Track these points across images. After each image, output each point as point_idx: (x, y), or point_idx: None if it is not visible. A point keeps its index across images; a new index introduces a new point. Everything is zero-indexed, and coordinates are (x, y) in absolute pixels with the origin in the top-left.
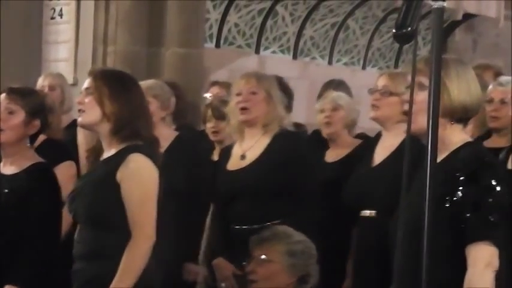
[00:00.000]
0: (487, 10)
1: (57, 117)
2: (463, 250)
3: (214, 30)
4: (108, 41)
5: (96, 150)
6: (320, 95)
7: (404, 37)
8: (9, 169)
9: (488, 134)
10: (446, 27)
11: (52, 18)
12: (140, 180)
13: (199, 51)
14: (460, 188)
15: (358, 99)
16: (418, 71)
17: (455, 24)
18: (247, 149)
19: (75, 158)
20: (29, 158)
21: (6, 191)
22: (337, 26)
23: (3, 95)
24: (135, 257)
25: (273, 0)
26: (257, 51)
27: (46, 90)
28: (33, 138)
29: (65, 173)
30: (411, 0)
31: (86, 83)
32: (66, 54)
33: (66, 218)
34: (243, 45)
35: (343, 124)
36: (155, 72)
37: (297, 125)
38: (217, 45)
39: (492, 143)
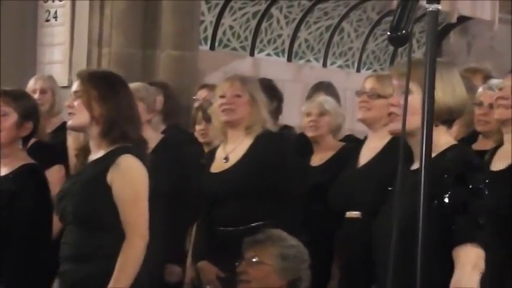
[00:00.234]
0: (481, 13)
1: (43, 120)
2: (450, 250)
3: (209, 32)
4: (103, 43)
5: (85, 149)
6: (309, 97)
7: (398, 40)
8: (2, 170)
9: (473, 135)
10: (441, 29)
11: (47, 20)
12: (131, 180)
13: (193, 54)
14: (448, 189)
15: (352, 102)
16: (403, 74)
17: (449, 27)
18: (230, 151)
19: (64, 161)
20: (22, 159)
21: None
22: (332, 28)
23: None
24: (131, 257)
25: (268, 3)
26: (252, 54)
27: (37, 93)
28: (26, 140)
29: (54, 176)
30: (406, 3)
31: (75, 86)
32: (61, 57)
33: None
34: (237, 48)
35: (328, 129)
36: (150, 75)
37: (286, 128)
38: (212, 47)
39: (480, 145)
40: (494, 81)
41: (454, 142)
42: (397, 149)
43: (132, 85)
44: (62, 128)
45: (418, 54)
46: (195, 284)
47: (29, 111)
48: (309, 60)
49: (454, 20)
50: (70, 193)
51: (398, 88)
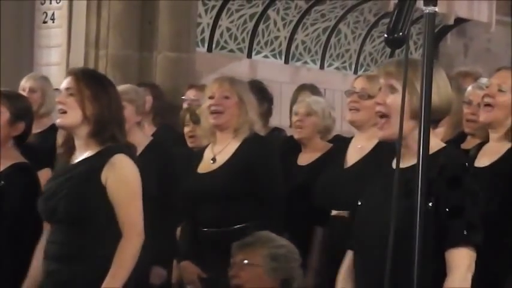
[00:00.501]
0: (478, 15)
1: None
2: (442, 252)
3: (206, 34)
4: (100, 45)
5: (70, 142)
6: (293, 101)
7: (396, 42)
8: None
9: (461, 136)
10: (438, 31)
11: (44, 22)
12: (127, 179)
13: (191, 56)
14: (442, 191)
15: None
16: (389, 73)
17: (446, 29)
18: (218, 152)
19: (52, 163)
20: (14, 158)
21: None
22: (329, 30)
23: None
24: (128, 255)
25: (265, 5)
26: (249, 56)
27: (26, 91)
28: (19, 141)
29: (44, 179)
30: (403, 5)
31: (66, 82)
32: (58, 59)
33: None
34: (234, 50)
35: (315, 130)
36: (147, 76)
37: (277, 129)
38: (209, 49)
39: (468, 144)
40: (483, 80)
41: (442, 144)
42: (384, 150)
43: (121, 87)
44: (51, 130)
45: (415, 56)
46: (181, 284)
47: (21, 111)
48: (306, 62)
49: (451, 21)
50: (60, 192)
51: (384, 87)
